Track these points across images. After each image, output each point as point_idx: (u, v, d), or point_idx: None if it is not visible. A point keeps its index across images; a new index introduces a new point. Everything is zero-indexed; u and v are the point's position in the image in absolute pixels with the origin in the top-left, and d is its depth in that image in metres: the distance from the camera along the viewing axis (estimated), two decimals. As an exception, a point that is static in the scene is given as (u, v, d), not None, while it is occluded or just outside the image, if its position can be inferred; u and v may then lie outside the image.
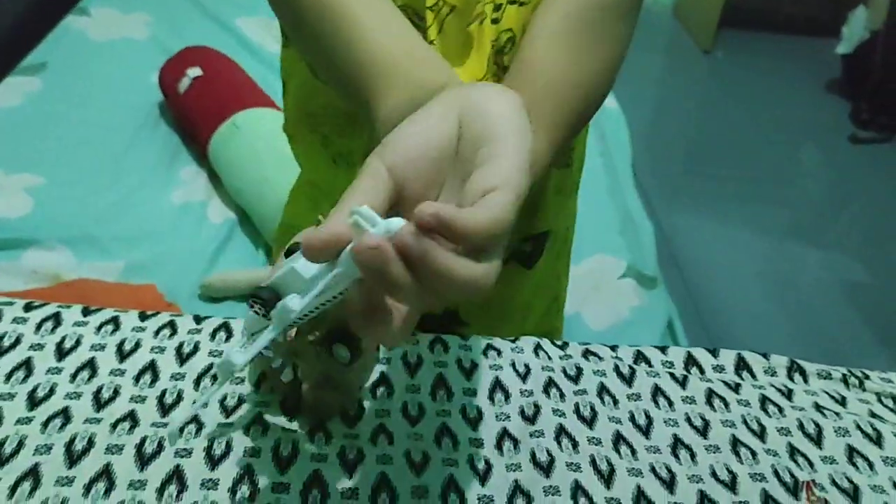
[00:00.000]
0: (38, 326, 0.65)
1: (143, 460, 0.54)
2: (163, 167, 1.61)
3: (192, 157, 1.64)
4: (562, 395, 0.64)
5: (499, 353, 0.68)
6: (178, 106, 1.66)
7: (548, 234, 0.90)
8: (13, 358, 0.62)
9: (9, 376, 0.60)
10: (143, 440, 0.56)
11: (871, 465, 0.61)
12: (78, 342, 0.63)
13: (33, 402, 0.58)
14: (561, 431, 0.61)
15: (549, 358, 0.68)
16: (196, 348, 0.64)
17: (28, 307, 0.66)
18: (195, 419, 0.57)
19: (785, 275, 2.10)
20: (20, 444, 0.55)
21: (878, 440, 0.63)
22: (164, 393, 0.60)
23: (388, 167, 0.43)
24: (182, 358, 0.63)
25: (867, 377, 0.70)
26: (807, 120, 2.78)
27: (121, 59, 1.90)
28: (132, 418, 0.58)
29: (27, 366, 0.61)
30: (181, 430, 0.57)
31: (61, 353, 0.63)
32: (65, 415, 0.57)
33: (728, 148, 2.59)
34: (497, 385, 0.64)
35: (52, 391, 0.59)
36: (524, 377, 0.65)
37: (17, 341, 0.63)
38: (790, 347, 1.55)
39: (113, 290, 1.30)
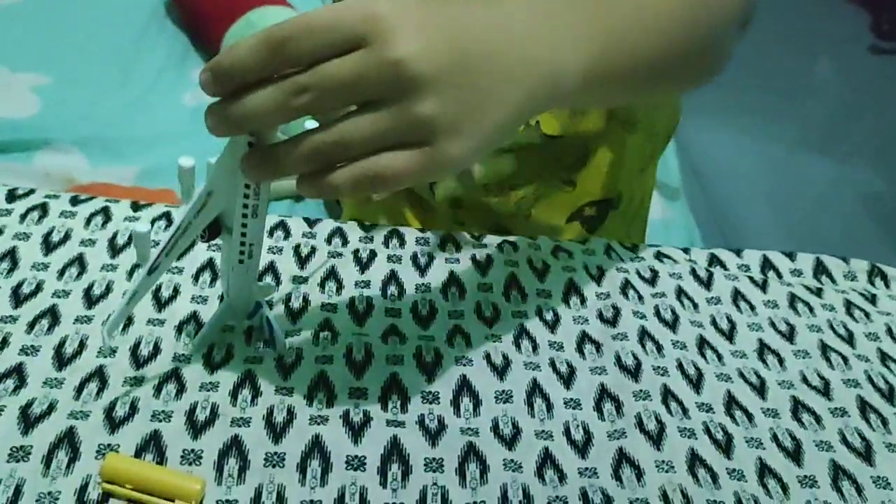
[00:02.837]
0: (88, 221, 0.61)
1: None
2: (173, 68, 1.55)
3: (202, 57, 1.57)
4: (640, 298, 0.61)
5: (569, 254, 0.64)
6: (188, 2, 1.59)
7: (611, 202, 0.84)
8: (63, 254, 0.58)
9: (62, 273, 0.56)
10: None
11: (964, 372, 0.59)
12: (130, 238, 0.60)
13: (90, 300, 0.55)
14: (644, 334, 0.58)
15: (622, 260, 0.64)
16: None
17: (75, 201, 0.62)
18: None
19: (801, 185, 2.07)
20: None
21: (969, 346, 0.61)
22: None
23: None
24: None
25: (948, 283, 0.67)
26: (827, 30, 2.71)
27: (122, -46, 1.81)
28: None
29: (80, 262, 0.57)
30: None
31: (114, 249, 0.59)
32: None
33: (745, 57, 2.53)
34: (572, 287, 0.61)
35: (109, 289, 0.56)
36: (598, 279, 0.62)
37: (67, 236, 0.59)
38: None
39: (131, 194, 1.26)
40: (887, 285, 0.66)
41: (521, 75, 0.44)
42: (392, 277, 0.60)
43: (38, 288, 0.55)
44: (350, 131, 0.40)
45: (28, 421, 0.46)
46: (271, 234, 0.62)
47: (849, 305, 0.63)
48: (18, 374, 0.49)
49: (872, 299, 0.64)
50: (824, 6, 2.83)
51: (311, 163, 0.41)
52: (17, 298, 0.54)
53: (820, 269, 0.66)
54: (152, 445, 0.46)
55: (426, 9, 0.41)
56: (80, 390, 0.48)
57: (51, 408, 0.47)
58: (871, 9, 2.74)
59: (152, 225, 0.61)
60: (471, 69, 0.41)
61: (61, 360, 0.50)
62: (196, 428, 0.47)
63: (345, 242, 0.63)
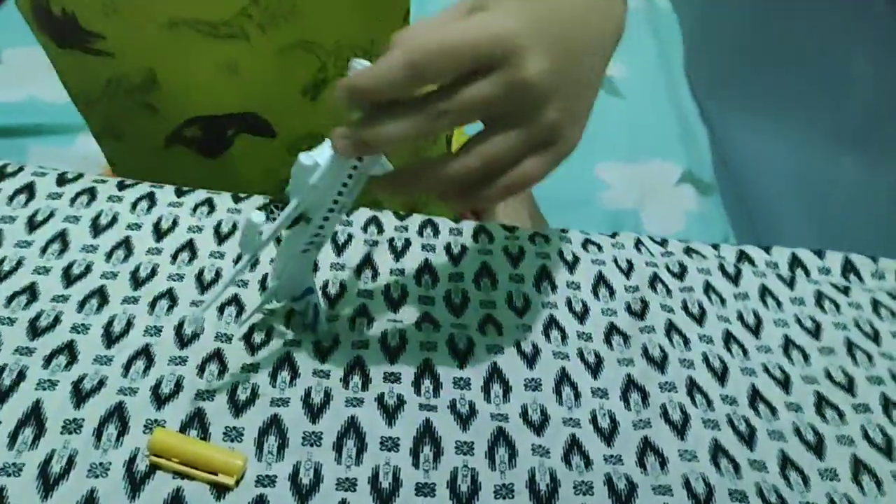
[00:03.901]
0: (134, 205, 0.63)
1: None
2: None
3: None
4: (668, 292, 0.62)
5: (599, 247, 0.66)
6: None
7: None
8: (112, 237, 0.60)
9: (109, 255, 0.59)
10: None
11: None
12: (174, 223, 0.62)
13: (137, 282, 0.57)
14: (671, 328, 0.59)
15: (651, 254, 0.66)
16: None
17: (121, 186, 0.65)
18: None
19: (835, 181, 2.06)
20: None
21: None
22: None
23: None
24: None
25: (976, 284, 0.67)
26: (862, 25, 2.68)
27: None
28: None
29: (126, 245, 0.60)
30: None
31: (159, 233, 0.61)
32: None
33: (780, 51, 2.51)
34: (601, 280, 0.63)
35: (154, 272, 0.58)
36: (628, 273, 0.63)
37: (114, 220, 0.62)
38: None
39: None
40: (915, 285, 0.67)
41: (601, 49, 0.50)
42: (426, 266, 0.62)
43: (88, 269, 0.57)
44: (491, 154, 0.44)
45: (80, 395, 0.48)
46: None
47: (875, 304, 0.64)
48: (70, 350, 0.51)
49: (899, 298, 0.65)
50: (859, 2, 2.80)
51: (454, 185, 0.44)
52: (68, 279, 0.56)
53: (848, 268, 0.67)
54: (196, 422, 0.48)
55: (538, 18, 0.44)
56: (127, 367, 0.51)
57: (101, 383, 0.49)
58: (911, 4, 2.70)
59: (195, 211, 0.63)
60: (575, 68, 0.46)
61: (110, 339, 0.52)
62: (237, 407, 0.49)
63: (380, 231, 0.64)
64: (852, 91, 2.38)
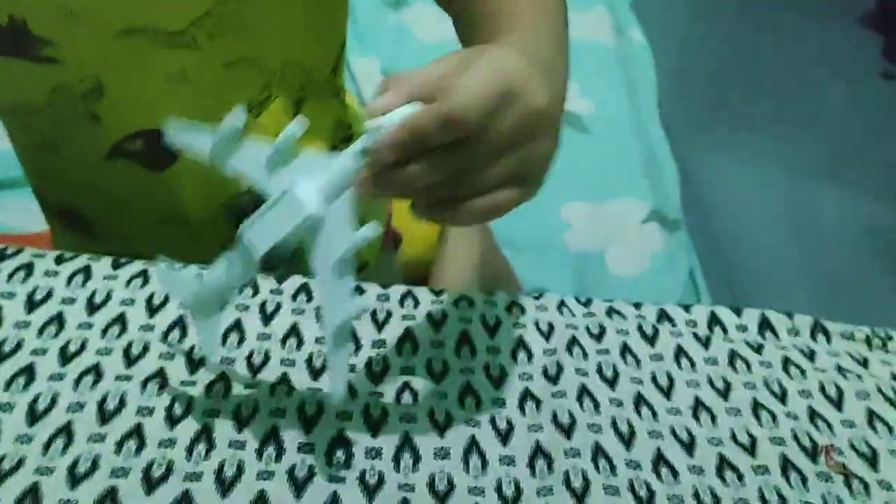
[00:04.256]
0: (69, 280, 0.66)
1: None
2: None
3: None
4: (584, 354, 0.64)
5: (522, 310, 0.68)
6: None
7: None
8: (47, 311, 0.63)
9: (40, 331, 0.61)
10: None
11: (890, 430, 0.61)
12: (108, 296, 0.65)
13: (65, 358, 0.59)
14: (583, 392, 0.61)
15: (573, 315, 0.68)
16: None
17: (59, 259, 0.67)
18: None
19: (809, 217, 2.08)
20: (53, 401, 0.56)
21: (899, 404, 0.63)
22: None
23: None
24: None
25: (891, 338, 0.69)
26: (838, 55, 2.71)
27: None
28: (161, 376, 0.59)
29: (59, 320, 0.62)
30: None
31: (92, 307, 0.64)
32: (96, 371, 0.59)
33: (756, 83, 2.54)
34: (520, 343, 0.65)
35: (84, 346, 0.60)
36: (547, 336, 0.66)
37: (49, 294, 0.64)
38: (811, 295, 1.53)
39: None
40: (828, 341, 0.69)
41: (560, 99, 0.55)
42: (354, 332, 0.64)
43: (19, 346, 0.60)
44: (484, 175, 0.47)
45: None
46: (239, 291, 0.67)
47: (786, 362, 0.66)
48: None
49: (811, 355, 0.67)
50: (838, 30, 2.83)
51: (439, 189, 0.47)
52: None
53: (764, 325, 0.69)
54: (108, 501, 0.50)
55: (530, 60, 0.49)
56: (47, 446, 0.53)
57: (20, 463, 0.51)
58: (885, 33, 2.73)
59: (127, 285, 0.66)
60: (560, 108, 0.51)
61: (33, 417, 0.55)
62: (151, 484, 0.51)
63: (309, 299, 0.67)
64: (828, 126, 2.40)
